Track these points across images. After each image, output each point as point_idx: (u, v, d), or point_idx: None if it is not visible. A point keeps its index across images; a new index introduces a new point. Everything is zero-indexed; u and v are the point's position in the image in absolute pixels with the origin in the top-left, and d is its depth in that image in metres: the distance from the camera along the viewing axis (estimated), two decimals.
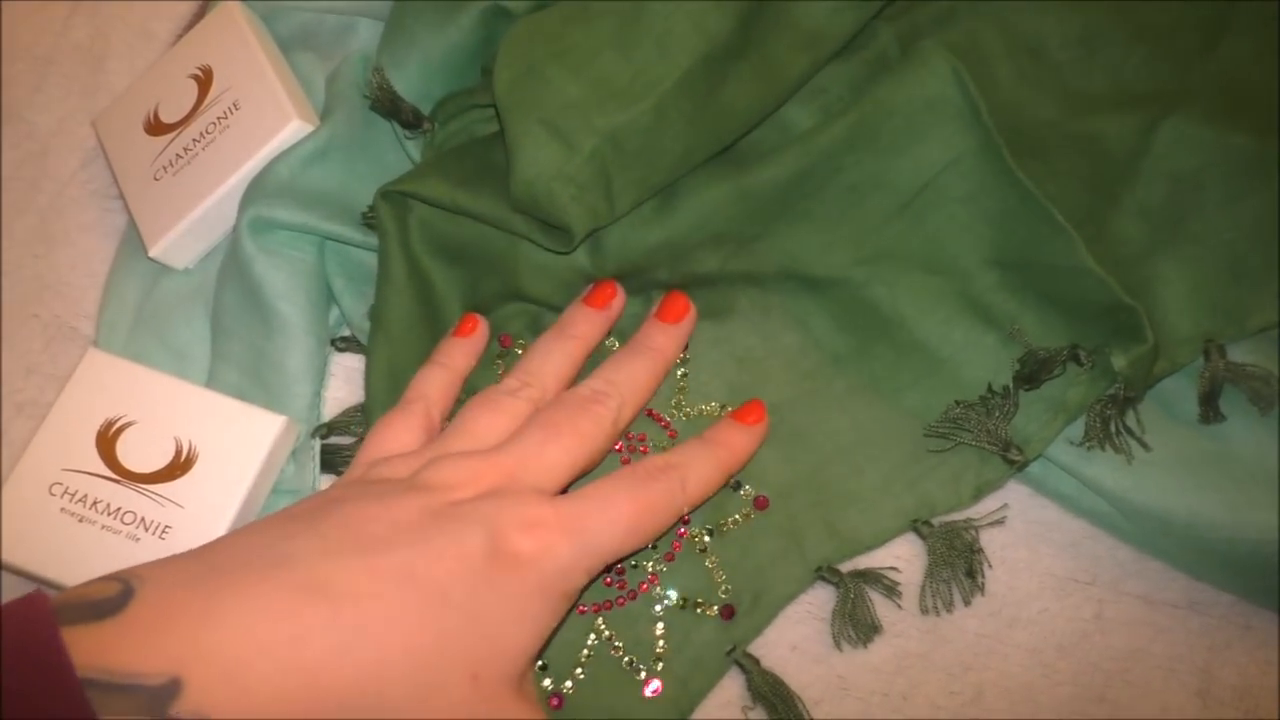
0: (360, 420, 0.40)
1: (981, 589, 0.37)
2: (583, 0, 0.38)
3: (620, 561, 0.35)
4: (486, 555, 0.29)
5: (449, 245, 0.40)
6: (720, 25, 0.37)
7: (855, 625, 0.36)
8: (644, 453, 0.38)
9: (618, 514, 0.32)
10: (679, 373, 0.39)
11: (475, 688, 0.28)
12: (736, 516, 0.38)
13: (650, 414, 0.39)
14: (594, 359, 0.39)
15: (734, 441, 0.36)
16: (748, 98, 0.38)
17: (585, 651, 0.36)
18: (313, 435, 0.40)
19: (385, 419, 0.36)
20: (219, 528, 0.37)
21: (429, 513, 0.30)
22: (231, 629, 0.25)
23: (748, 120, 0.39)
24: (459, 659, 0.28)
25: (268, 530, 0.30)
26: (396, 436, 0.35)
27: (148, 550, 0.36)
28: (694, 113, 0.37)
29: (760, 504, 0.38)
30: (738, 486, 0.38)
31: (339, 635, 0.27)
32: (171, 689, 0.23)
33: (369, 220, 0.40)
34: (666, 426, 0.39)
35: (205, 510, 0.37)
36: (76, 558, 0.36)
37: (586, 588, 0.32)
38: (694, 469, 0.35)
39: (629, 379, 0.36)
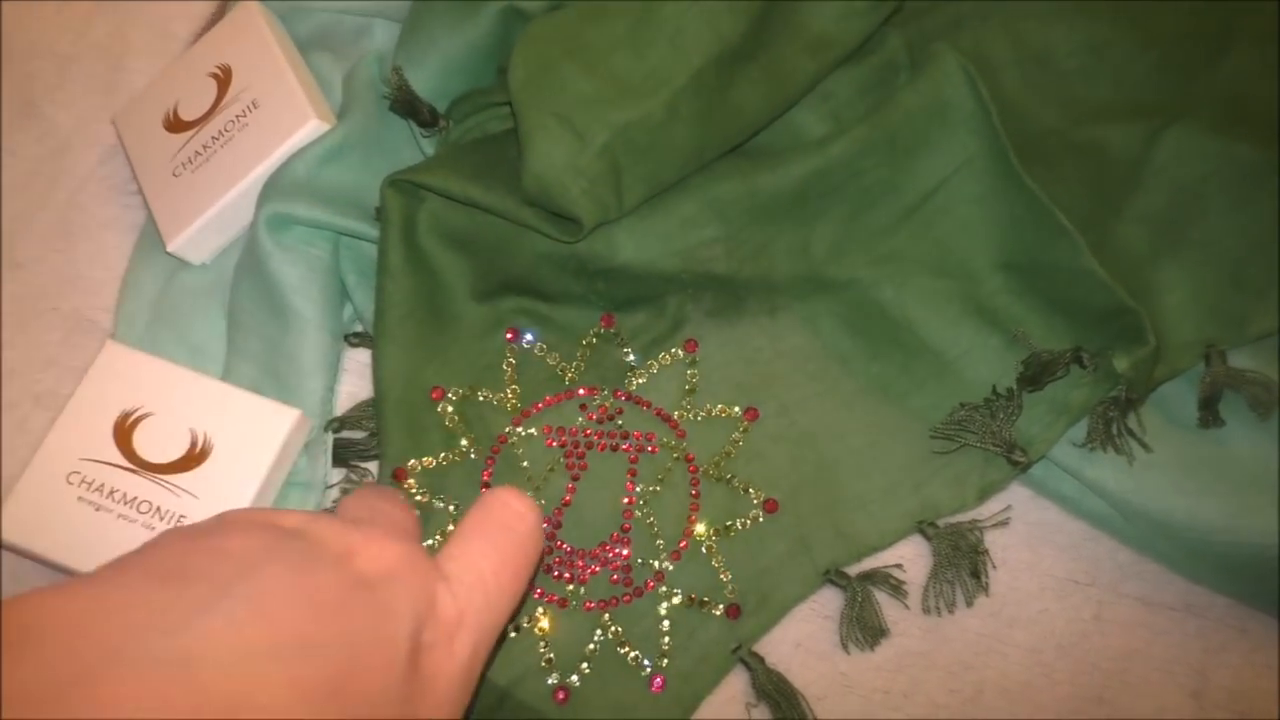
0: (371, 414, 0.41)
1: (985, 589, 0.37)
2: (598, 0, 0.39)
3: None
4: (409, 656, 0.23)
5: (458, 235, 0.40)
6: (733, 26, 0.38)
7: (863, 629, 0.37)
8: (653, 453, 0.39)
9: (506, 585, 0.27)
10: (688, 373, 0.40)
11: None
12: (745, 519, 0.38)
13: (659, 414, 0.39)
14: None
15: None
16: (757, 99, 0.39)
17: (591, 647, 0.36)
18: (325, 429, 0.41)
19: None
20: None
21: (346, 584, 0.24)
22: None
23: (756, 121, 0.39)
24: None
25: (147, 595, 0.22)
26: None
27: None
28: (704, 111, 0.38)
29: (770, 507, 0.38)
30: (747, 490, 0.38)
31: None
32: None
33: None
34: (675, 427, 0.39)
35: (219, 501, 0.37)
36: (93, 545, 0.37)
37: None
38: None
39: None
